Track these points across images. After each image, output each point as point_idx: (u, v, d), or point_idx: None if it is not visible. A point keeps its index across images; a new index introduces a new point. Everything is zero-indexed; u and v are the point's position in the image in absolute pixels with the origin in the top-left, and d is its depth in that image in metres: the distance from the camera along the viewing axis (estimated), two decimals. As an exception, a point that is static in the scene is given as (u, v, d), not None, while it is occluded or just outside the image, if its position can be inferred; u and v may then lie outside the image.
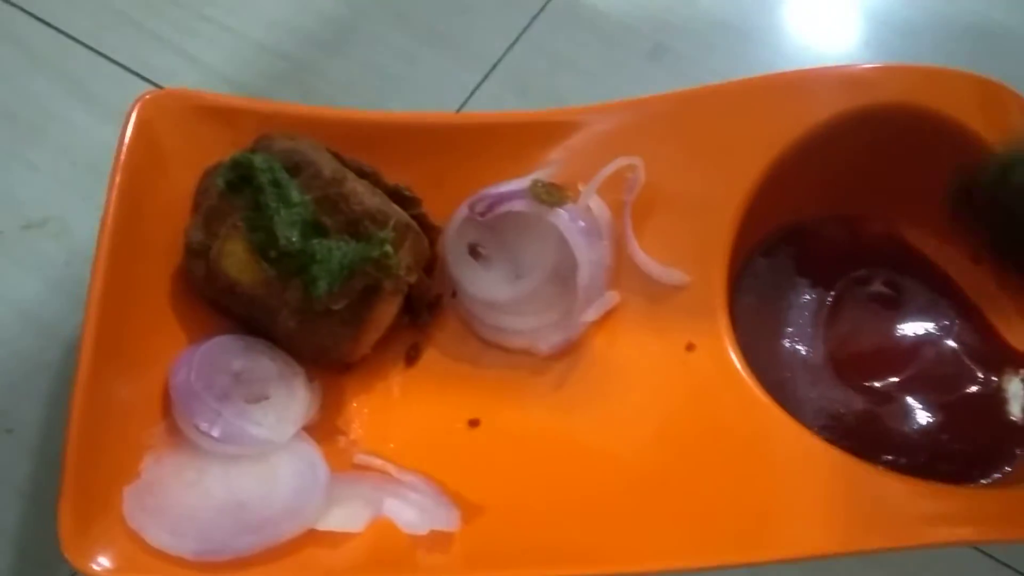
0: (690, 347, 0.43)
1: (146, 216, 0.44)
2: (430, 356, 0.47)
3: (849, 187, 0.49)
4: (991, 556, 0.45)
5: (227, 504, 0.38)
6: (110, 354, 0.41)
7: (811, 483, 0.39)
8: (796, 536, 0.39)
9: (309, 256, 0.42)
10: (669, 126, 0.47)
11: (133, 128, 0.44)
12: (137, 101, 0.45)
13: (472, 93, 0.57)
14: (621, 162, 0.46)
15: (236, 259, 0.42)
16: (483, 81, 0.57)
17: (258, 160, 0.42)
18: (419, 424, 0.45)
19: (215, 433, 0.39)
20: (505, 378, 0.46)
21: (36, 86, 0.57)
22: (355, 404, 0.45)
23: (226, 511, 0.38)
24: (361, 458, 0.43)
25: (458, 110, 0.56)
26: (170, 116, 0.46)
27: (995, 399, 0.46)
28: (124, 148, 0.44)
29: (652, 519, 0.40)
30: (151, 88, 0.56)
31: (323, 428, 0.44)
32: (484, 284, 0.46)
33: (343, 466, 0.43)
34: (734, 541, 0.39)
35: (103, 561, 0.37)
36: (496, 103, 0.56)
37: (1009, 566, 0.45)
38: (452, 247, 0.47)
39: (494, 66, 0.58)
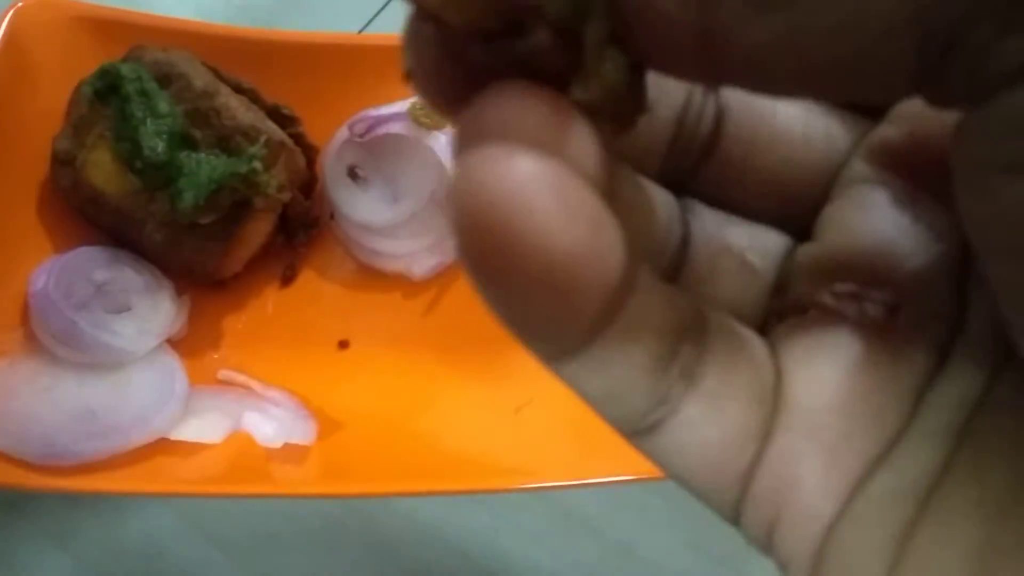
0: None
1: (17, 126, 0.43)
2: (306, 277, 0.47)
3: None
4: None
5: (77, 411, 0.38)
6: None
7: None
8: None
9: (176, 168, 0.41)
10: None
11: (3, 37, 0.43)
12: (9, 9, 0.44)
13: (374, 17, 0.56)
14: (502, 87, 0.45)
15: (102, 169, 0.42)
16: (386, 5, 0.56)
17: (125, 69, 0.42)
18: (289, 344, 0.45)
19: (69, 341, 0.39)
20: (378, 301, 0.46)
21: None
22: (227, 321, 0.45)
23: (76, 417, 0.38)
24: (225, 374, 0.43)
25: (359, 33, 0.55)
26: (44, 26, 0.45)
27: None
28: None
29: (511, 440, 0.41)
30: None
31: (191, 343, 0.44)
32: (362, 206, 0.46)
33: (208, 381, 0.43)
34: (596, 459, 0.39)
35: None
36: (398, 28, 0.55)
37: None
38: (331, 168, 0.46)
39: (398, -10, 0.57)
